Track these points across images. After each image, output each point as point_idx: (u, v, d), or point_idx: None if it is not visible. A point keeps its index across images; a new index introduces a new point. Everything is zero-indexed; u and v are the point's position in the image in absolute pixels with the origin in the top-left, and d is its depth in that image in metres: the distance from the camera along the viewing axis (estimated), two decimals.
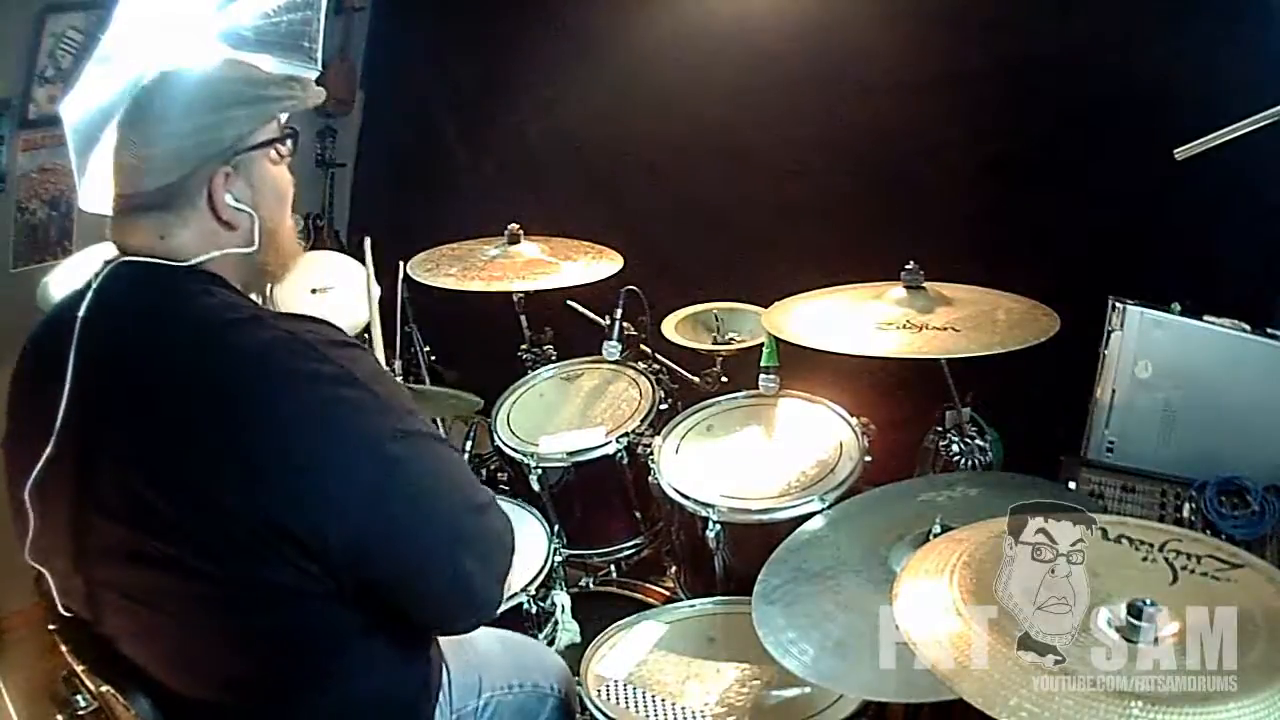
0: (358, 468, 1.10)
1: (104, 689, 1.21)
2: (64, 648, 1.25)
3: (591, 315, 2.57)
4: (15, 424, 1.22)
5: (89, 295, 1.15)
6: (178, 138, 1.16)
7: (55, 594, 1.21)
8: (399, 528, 1.13)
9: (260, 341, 1.12)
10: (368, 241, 2.18)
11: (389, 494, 1.12)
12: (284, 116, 1.25)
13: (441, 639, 1.45)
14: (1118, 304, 1.94)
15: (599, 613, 2.05)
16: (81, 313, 1.13)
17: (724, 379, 2.49)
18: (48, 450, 1.12)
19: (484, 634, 1.58)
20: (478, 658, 1.52)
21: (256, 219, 1.21)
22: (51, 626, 1.25)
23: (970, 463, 1.95)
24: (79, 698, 1.26)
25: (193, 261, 1.17)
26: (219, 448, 1.07)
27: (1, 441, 1.23)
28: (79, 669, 1.24)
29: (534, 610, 1.96)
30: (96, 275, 1.17)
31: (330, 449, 1.09)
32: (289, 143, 1.26)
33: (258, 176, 1.22)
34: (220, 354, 1.11)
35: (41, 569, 1.20)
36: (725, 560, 1.96)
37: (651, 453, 2.11)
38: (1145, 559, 1.19)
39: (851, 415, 2.10)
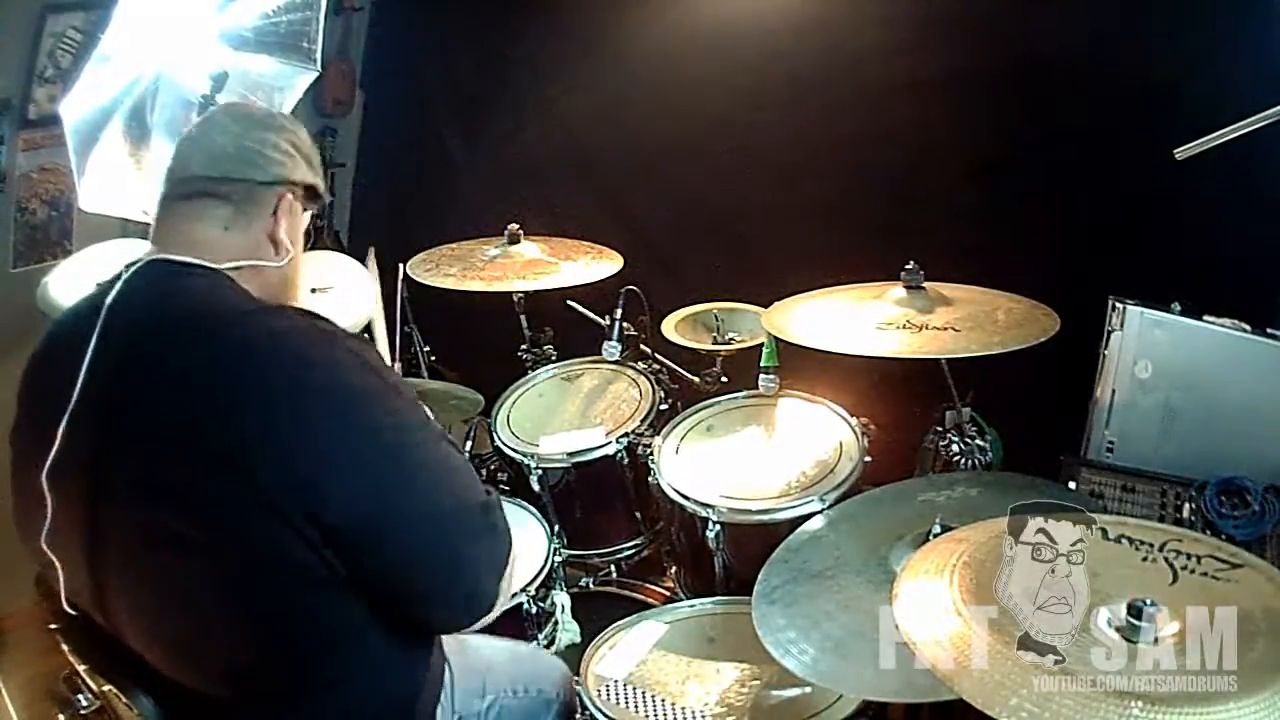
0: (366, 453, 1.14)
1: (106, 688, 1.21)
2: (66, 647, 1.25)
3: (591, 315, 2.57)
4: (27, 414, 1.24)
5: (118, 285, 1.20)
6: (272, 147, 1.29)
7: (62, 589, 1.21)
8: (403, 516, 1.16)
9: (280, 327, 1.18)
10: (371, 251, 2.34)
11: (395, 482, 1.15)
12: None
13: (446, 644, 1.46)
14: (1118, 304, 1.94)
15: (599, 613, 2.05)
16: (109, 300, 1.18)
17: (724, 379, 2.49)
18: (60, 432, 1.14)
19: (488, 642, 1.62)
20: (482, 663, 1.55)
21: (293, 251, 1.32)
22: (53, 626, 1.25)
23: (970, 463, 1.95)
24: (81, 697, 1.27)
25: (225, 266, 1.24)
26: (236, 424, 1.10)
27: (10, 433, 1.24)
28: (81, 668, 1.24)
29: (534, 610, 1.96)
30: (126, 268, 1.22)
31: (341, 433, 1.13)
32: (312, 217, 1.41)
33: (299, 222, 1.35)
34: (242, 334, 1.16)
35: (54, 559, 1.20)
36: (725, 560, 1.96)
37: (651, 453, 2.11)
38: (1145, 559, 1.20)
39: (851, 415, 2.10)
